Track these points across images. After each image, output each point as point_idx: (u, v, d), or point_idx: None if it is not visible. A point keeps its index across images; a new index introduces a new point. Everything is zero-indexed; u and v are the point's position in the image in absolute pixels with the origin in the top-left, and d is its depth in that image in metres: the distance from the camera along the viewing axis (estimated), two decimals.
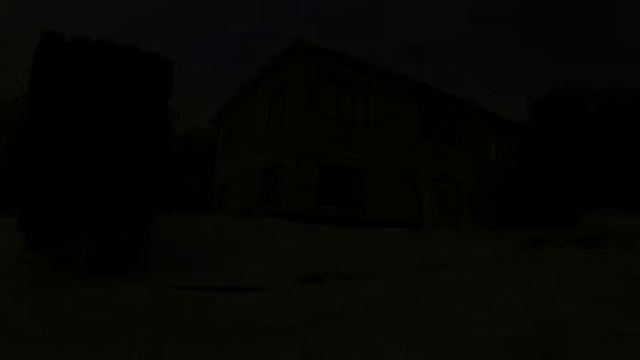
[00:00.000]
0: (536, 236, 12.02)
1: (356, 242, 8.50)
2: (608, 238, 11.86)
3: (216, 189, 18.49)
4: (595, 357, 2.66)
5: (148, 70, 5.22)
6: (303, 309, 4.01)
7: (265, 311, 3.93)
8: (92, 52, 4.88)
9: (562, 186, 16.46)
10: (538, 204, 16.52)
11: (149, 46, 5.32)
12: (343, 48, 12.30)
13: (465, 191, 14.99)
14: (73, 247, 4.99)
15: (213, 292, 4.49)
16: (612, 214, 20.06)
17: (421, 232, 11.11)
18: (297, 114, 11.42)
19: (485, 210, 15.58)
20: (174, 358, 2.60)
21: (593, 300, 4.46)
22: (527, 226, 14.81)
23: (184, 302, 4.03)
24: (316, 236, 8.55)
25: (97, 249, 5.01)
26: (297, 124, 11.35)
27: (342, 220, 10.86)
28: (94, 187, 4.72)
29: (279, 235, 8.06)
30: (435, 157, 14.28)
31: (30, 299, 3.88)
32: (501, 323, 3.39)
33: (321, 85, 11.84)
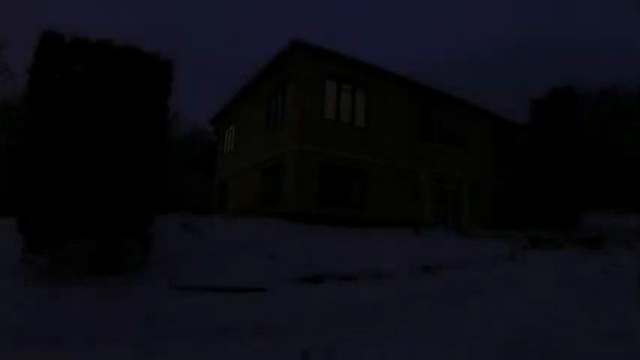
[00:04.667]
0: (536, 236, 12.03)
1: (356, 242, 8.50)
2: (608, 238, 11.86)
3: (216, 189, 18.48)
4: (590, 357, 2.67)
5: (148, 70, 5.21)
6: (303, 310, 4.01)
7: (265, 312, 3.93)
8: (92, 53, 4.87)
9: (562, 186, 16.45)
10: (538, 204, 16.51)
11: (149, 46, 5.32)
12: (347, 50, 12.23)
13: (465, 191, 14.97)
14: (73, 248, 4.98)
15: (212, 293, 4.49)
16: (612, 214, 20.06)
17: (421, 232, 11.11)
18: (297, 114, 11.41)
19: (485, 210, 15.57)
20: (174, 358, 2.60)
21: (593, 301, 4.46)
22: (527, 226, 14.81)
23: (184, 302, 4.03)
24: (316, 236, 8.54)
25: (97, 249, 5.00)
26: (297, 124, 11.34)
27: (342, 220, 10.85)
28: (94, 187, 4.71)
29: (279, 236, 8.05)
30: (435, 157, 14.27)
31: (30, 299, 3.87)
32: (502, 324, 3.39)
33: (321, 85, 11.83)
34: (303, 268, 5.75)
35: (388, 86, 13.31)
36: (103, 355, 2.57)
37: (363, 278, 5.78)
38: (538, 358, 2.67)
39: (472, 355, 2.68)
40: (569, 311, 3.94)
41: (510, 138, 17.57)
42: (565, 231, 13.76)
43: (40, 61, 4.69)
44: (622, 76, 27.64)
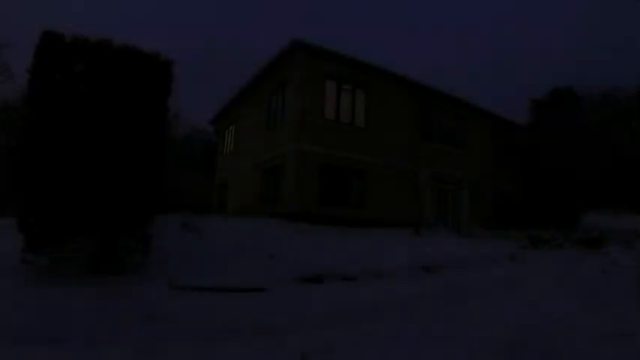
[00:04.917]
0: (536, 236, 12.01)
1: (356, 242, 8.50)
2: (608, 238, 11.85)
3: (216, 189, 18.48)
4: (590, 357, 2.67)
5: (148, 70, 5.21)
6: (303, 310, 4.01)
7: (265, 312, 3.93)
8: (92, 53, 4.87)
9: (562, 186, 16.44)
10: (538, 204, 16.50)
11: (149, 46, 5.32)
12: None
13: (465, 191, 14.97)
14: (73, 248, 4.98)
15: (213, 293, 4.49)
16: (612, 214, 20.07)
17: (421, 232, 11.11)
18: (297, 114, 11.41)
19: (485, 210, 15.57)
20: (174, 358, 2.60)
21: (593, 301, 4.46)
22: (527, 226, 14.80)
23: (184, 302, 4.03)
24: (316, 236, 8.54)
25: (97, 249, 5.00)
26: (297, 124, 11.34)
27: (342, 220, 10.85)
28: (94, 187, 4.71)
29: (279, 236, 8.05)
30: (435, 157, 14.27)
31: (30, 299, 3.87)
32: (502, 324, 3.39)
33: (321, 85, 11.83)
34: (303, 268, 5.75)
35: (388, 86, 13.31)
36: (103, 355, 2.57)
37: (363, 278, 5.78)
38: (538, 358, 2.67)
39: (472, 355, 2.68)
40: (569, 311, 3.94)
41: (510, 138, 17.56)
42: (565, 231, 13.75)
43: (40, 61, 4.68)
44: (622, 77, 27.68)
